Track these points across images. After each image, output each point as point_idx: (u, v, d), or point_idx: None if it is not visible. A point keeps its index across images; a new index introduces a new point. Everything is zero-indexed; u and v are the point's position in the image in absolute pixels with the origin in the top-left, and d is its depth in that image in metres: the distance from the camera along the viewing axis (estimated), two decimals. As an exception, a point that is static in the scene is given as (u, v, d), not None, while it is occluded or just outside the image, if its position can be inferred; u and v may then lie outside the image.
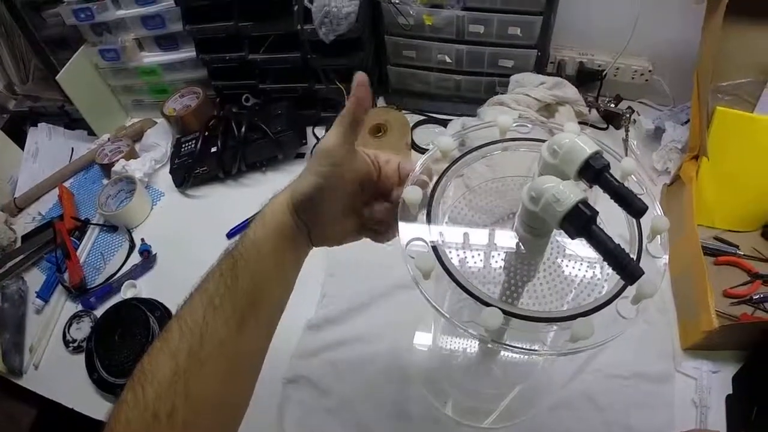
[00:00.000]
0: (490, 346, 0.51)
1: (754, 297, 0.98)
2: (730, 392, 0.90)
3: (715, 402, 0.89)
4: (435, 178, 0.59)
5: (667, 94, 1.31)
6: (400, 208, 0.57)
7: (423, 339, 1.00)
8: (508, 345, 0.51)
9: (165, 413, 0.49)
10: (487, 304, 0.49)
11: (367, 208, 0.62)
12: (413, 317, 1.00)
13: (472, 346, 0.92)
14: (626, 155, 1.24)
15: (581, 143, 0.47)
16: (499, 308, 0.48)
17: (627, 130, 1.26)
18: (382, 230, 0.63)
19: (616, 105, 1.29)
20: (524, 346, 0.51)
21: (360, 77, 0.55)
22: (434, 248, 0.54)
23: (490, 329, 0.48)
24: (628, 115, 1.26)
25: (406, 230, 0.56)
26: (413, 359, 0.98)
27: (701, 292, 0.90)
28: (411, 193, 0.55)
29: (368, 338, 1.00)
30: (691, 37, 1.08)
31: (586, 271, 0.59)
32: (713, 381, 0.91)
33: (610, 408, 0.90)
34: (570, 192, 0.44)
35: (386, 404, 0.93)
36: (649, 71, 1.28)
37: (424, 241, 0.54)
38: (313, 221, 0.58)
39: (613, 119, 1.29)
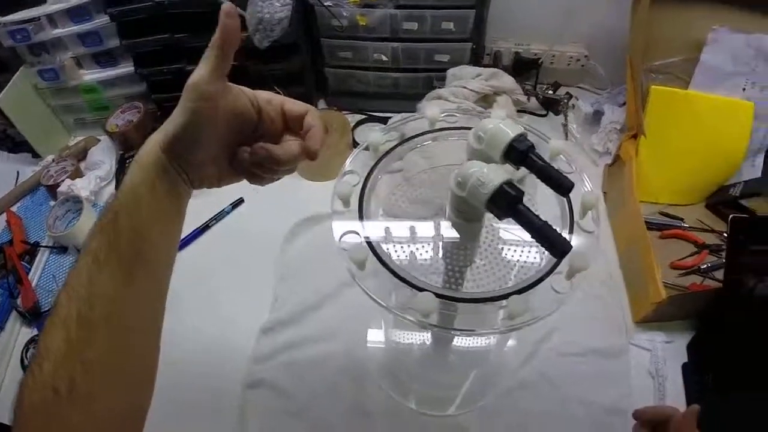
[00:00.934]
0: (427, 330, 0.53)
1: (702, 267, 1.01)
2: (686, 360, 0.93)
3: (671, 371, 0.92)
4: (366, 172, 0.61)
5: (603, 78, 1.34)
6: (332, 201, 0.57)
7: (376, 336, 1.01)
8: (443, 327, 0.52)
9: (65, 387, 0.46)
10: (421, 289, 0.51)
11: (244, 148, 0.57)
12: (363, 314, 1.02)
13: (426, 338, 0.94)
14: (566, 139, 1.27)
15: (504, 127, 0.49)
16: (432, 292, 0.50)
17: (566, 115, 1.29)
18: (262, 173, 0.59)
19: (554, 92, 1.32)
20: (462, 328, 0.52)
21: (226, 7, 0.51)
22: (367, 240, 0.55)
23: (425, 313, 0.49)
24: (566, 101, 1.29)
25: (338, 225, 0.57)
26: (368, 356, 0.99)
27: (648, 266, 0.93)
28: (342, 187, 0.57)
29: (323, 338, 1.01)
30: (624, 21, 1.11)
31: (524, 252, 0.61)
32: (668, 351, 0.94)
33: (566, 385, 0.92)
34: (493, 174, 0.46)
35: (347, 402, 0.94)
36: (585, 57, 1.31)
37: (357, 234, 0.56)
38: (186, 162, 0.54)
39: (552, 106, 1.32)
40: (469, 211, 0.53)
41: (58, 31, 1.27)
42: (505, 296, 0.51)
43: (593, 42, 1.30)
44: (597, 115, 1.28)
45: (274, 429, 0.93)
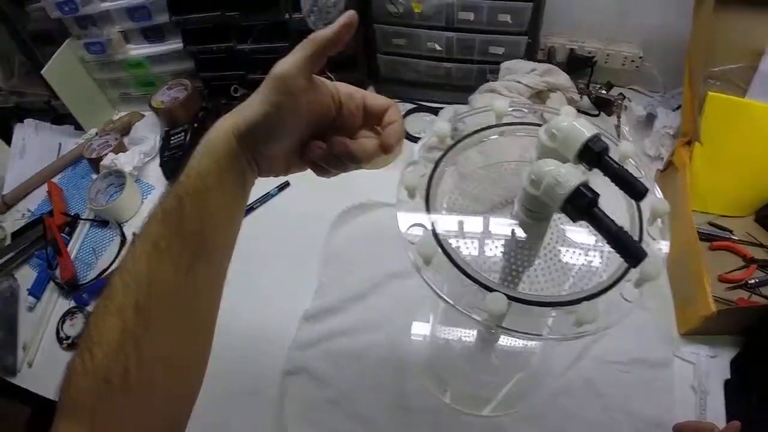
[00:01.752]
0: (493, 331, 0.51)
1: (750, 282, 0.97)
2: (728, 377, 0.90)
3: (714, 387, 0.89)
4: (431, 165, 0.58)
5: (657, 81, 1.31)
6: (398, 191, 0.55)
7: (420, 329, 0.99)
8: (513, 330, 0.50)
9: (118, 377, 0.44)
10: (491, 289, 0.49)
11: (319, 144, 0.55)
12: (409, 306, 1.00)
13: (471, 335, 0.92)
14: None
15: (580, 126, 0.47)
16: (503, 293, 0.48)
17: (619, 117, 1.26)
18: (332, 168, 0.57)
19: (608, 92, 1.29)
20: (525, 331, 0.50)
21: (352, 17, 0.51)
22: (435, 234, 0.53)
23: (495, 314, 0.47)
24: (619, 102, 1.26)
25: (404, 216, 0.55)
26: (411, 349, 0.97)
27: (698, 278, 0.90)
28: (409, 178, 0.55)
29: (365, 328, 1.00)
30: (681, 23, 1.08)
31: (585, 257, 0.58)
32: (711, 366, 0.91)
33: (609, 394, 0.90)
34: (571, 175, 0.44)
35: (386, 394, 0.92)
36: (640, 58, 1.28)
37: (424, 227, 0.54)
38: (258, 152, 0.53)
39: (604, 106, 1.29)
40: (539, 211, 0.52)
41: (106, 5, 1.26)
42: (577, 301, 0.49)
43: (649, 43, 1.27)
44: (650, 119, 1.25)
45: (311, 417, 0.92)
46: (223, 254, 0.54)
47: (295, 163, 0.57)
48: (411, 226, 0.54)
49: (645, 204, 0.53)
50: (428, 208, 0.55)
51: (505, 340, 0.88)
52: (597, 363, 0.93)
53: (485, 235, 0.61)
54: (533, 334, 0.51)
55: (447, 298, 0.51)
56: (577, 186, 0.43)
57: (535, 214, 0.52)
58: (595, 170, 0.47)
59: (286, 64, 0.49)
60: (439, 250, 0.52)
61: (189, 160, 0.51)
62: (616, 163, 0.46)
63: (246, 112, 0.50)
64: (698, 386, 0.89)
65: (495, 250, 0.59)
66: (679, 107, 1.22)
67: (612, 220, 0.43)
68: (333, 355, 0.97)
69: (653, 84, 1.33)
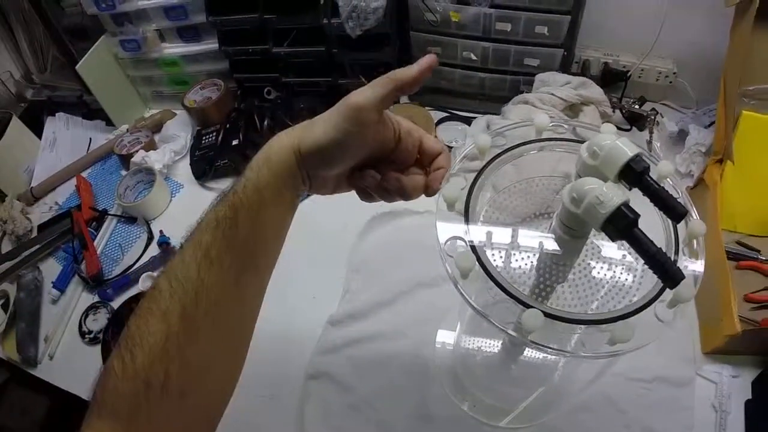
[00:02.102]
0: (530, 349, 0.51)
1: None
2: (750, 397, 0.89)
3: (735, 407, 0.88)
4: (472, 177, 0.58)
5: (690, 97, 1.30)
6: (437, 203, 0.55)
7: (446, 337, 0.99)
8: (547, 346, 0.50)
9: (158, 381, 0.45)
10: (527, 306, 0.49)
11: (372, 173, 0.56)
12: (435, 315, 0.99)
13: (495, 345, 0.92)
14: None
15: (622, 145, 0.47)
16: (541, 310, 0.48)
17: (651, 132, 1.25)
18: (380, 196, 0.58)
19: (640, 106, 1.28)
20: (558, 348, 0.50)
21: (432, 59, 0.52)
22: (473, 248, 0.53)
23: (531, 331, 0.47)
24: (652, 117, 1.25)
25: (444, 228, 0.54)
26: (435, 356, 0.97)
27: (725, 297, 0.89)
28: (450, 190, 0.54)
29: (390, 335, 0.99)
30: (717, 40, 1.06)
31: (617, 275, 0.58)
32: (733, 385, 0.90)
33: (630, 411, 0.89)
34: (613, 194, 0.44)
35: (407, 402, 0.92)
36: (674, 73, 1.27)
37: (463, 240, 0.54)
38: (315, 171, 0.54)
39: (636, 121, 1.28)
40: (578, 228, 0.51)
41: (143, 3, 1.27)
42: (614, 319, 0.49)
43: (683, 59, 1.26)
44: (682, 135, 1.23)
45: (332, 422, 0.92)
46: (269, 266, 0.56)
47: (343, 185, 0.59)
48: (449, 239, 0.54)
49: (681, 224, 0.52)
50: (467, 221, 0.55)
51: (528, 353, 0.87)
52: (619, 380, 0.92)
53: (517, 247, 0.60)
54: (567, 352, 0.51)
55: (484, 313, 0.51)
56: (619, 206, 0.43)
57: (573, 231, 0.52)
58: (634, 189, 0.47)
59: (363, 96, 0.50)
60: (477, 264, 0.52)
61: (246, 171, 0.52)
62: (657, 183, 0.46)
63: (313, 133, 0.51)
64: (719, 406, 0.88)
65: (526, 261, 0.59)
66: (711, 124, 1.21)
67: (651, 241, 0.43)
68: (356, 360, 0.97)
69: (686, 100, 1.31)
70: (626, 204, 0.44)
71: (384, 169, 0.56)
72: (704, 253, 0.52)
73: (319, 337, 1.00)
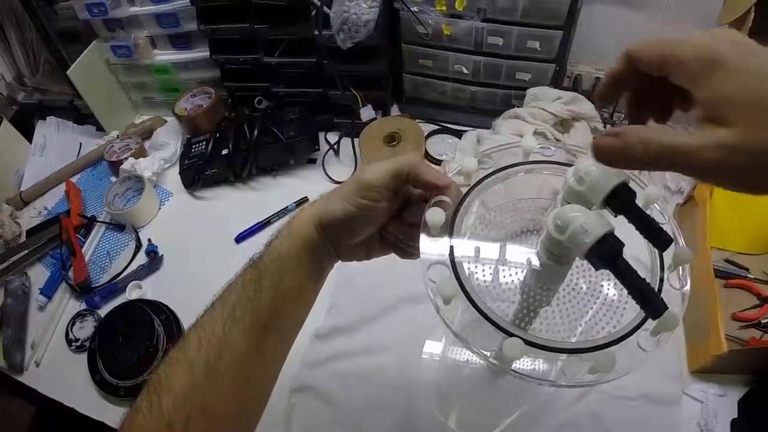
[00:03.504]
0: (513, 377, 0.51)
1: (763, 321, 0.96)
2: (735, 416, 0.89)
3: (721, 426, 0.88)
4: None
5: (681, 113, 1.30)
6: (422, 230, 0.55)
7: (433, 348, 0.99)
8: (526, 375, 0.50)
9: (180, 424, 0.49)
10: (510, 334, 0.49)
11: (391, 234, 0.60)
12: (421, 331, 0.99)
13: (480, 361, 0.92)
14: (639, 173, 1.23)
15: (609, 171, 0.46)
16: (521, 338, 0.48)
17: (641, 149, 1.25)
18: (410, 249, 0.61)
19: (630, 122, 1.28)
20: (544, 377, 0.51)
21: (456, 188, 0.55)
22: (456, 275, 0.53)
23: (511, 360, 0.48)
24: (643, 134, 1.25)
25: (429, 250, 0.54)
26: (422, 367, 0.97)
27: (712, 316, 0.89)
28: (433, 216, 0.54)
29: (376, 350, 0.99)
30: (707, 56, 1.07)
31: (604, 297, 0.58)
32: (719, 404, 0.90)
33: (616, 429, 0.89)
34: (598, 223, 0.44)
35: (392, 417, 0.92)
36: (666, 89, 1.27)
37: (447, 266, 0.53)
38: (339, 241, 0.58)
39: (627, 136, 1.28)
40: (562, 255, 0.51)
41: (135, 9, 1.26)
42: (595, 348, 0.49)
43: (674, 75, 1.26)
44: (672, 151, 1.24)
45: (317, 435, 0.92)
46: (292, 328, 0.61)
47: (375, 249, 0.62)
48: (432, 264, 0.54)
49: (668, 252, 0.51)
50: (452, 251, 0.55)
51: (531, 366, 0.87)
52: (605, 397, 0.92)
53: (504, 263, 0.60)
54: (546, 380, 0.51)
55: (464, 338, 0.51)
56: (603, 235, 0.43)
57: (558, 257, 0.51)
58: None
59: (376, 174, 0.54)
60: (461, 292, 0.52)
61: (272, 239, 0.58)
62: (642, 211, 0.45)
63: (329, 207, 0.56)
64: (705, 425, 0.88)
65: (514, 277, 0.59)
66: (702, 142, 1.21)
67: (635, 272, 0.43)
68: (342, 375, 0.97)
69: (677, 116, 1.31)
70: (611, 233, 0.43)
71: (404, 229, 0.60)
72: (689, 280, 0.52)
73: (304, 350, 0.99)
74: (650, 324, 0.49)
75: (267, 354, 0.57)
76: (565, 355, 0.50)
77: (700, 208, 1.04)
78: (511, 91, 1.25)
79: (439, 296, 0.51)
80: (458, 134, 1.29)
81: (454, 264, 0.54)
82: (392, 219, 0.60)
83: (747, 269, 1.05)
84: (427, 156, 1.25)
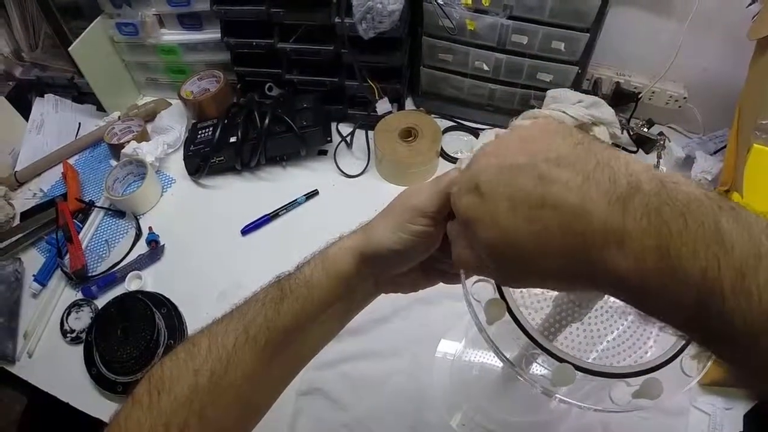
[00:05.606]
0: (561, 402, 0.49)
1: None
2: (741, 430, 0.89)
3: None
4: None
5: (698, 123, 1.29)
6: None
7: (448, 347, 0.97)
8: (576, 403, 0.49)
9: (177, 427, 0.48)
10: (560, 360, 0.47)
11: (440, 259, 0.56)
12: (433, 334, 0.97)
13: (497, 365, 0.90)
14: (656, 182, 1.22)
15: None
16: (572, 364, 0.47)
17: (659, 157, 1.23)
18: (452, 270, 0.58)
19: (649, 129, 1.26)
20: (590, 404, 0.49)
21: None
22: (502, 295, 0.50)
23: (560, 385, 0.47)
24: (661, 142, 1.23)
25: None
26: (433, 374, 0.95)
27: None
28: None
29: (387, 352, 0.96)
30: (731, 69, 1.06)
31: (629, 322, 0.57)
32: (726, 417, 0.90)
33: (626, 438, 0.88)
34: None
35: (401, 422, 0.90)
36: (684, 98, 1.25)
37: (491, 285, 0.51)
38: (384, 274, 0.56)
39: (644, 143, 1.26)
40: None
41: (144, -15, 1.21)
42: (642, 373, 0.48)
43: (694, 84, 1.25)
44: (688, 160, 1.22)
45: (324, 439, 0.89)
46: (305, 356, 0.59)
47: (420, 279, 0.59)
48: (476, 282, 0.51)
49: None
50: None
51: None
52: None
53: None
54: (594, 408, 0.49)
55: (518, 369, 0.51)
56: None
57: None
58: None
59: (427, 199, 0.50)
60: (508, 315, 0.50)
61: (303, 264, 0.56)
62: None
63: (376, 238, 0.52)
64: (711, 438, 0.88)
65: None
66: (717, 151, 1.20)
67: None
68: (351, 377, 0.94)
69: (693, 125, 1.30)
70: None
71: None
72: None
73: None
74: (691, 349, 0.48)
75: (274, 377, 0.56)
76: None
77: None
78: (530, 91, 1.22)
79: (483, 316, 0.49)
80: (474, 132, 1.27)
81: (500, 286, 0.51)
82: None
83: None
84: (443, 153, 1.22)
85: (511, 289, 0.52)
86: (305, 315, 0.53)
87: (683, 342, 0.48)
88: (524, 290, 0.57)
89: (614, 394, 0.49)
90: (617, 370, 0.48)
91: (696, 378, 0.48)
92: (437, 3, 1.08)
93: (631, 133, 1.26)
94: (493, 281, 0.50)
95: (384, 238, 0.51)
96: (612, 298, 0.57)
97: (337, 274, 0.53)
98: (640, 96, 1.25)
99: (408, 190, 0.53)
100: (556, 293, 0.56)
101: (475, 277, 0.51)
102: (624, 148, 1.27)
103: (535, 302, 0.58)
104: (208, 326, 0.54)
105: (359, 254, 0.53)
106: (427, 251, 0.53)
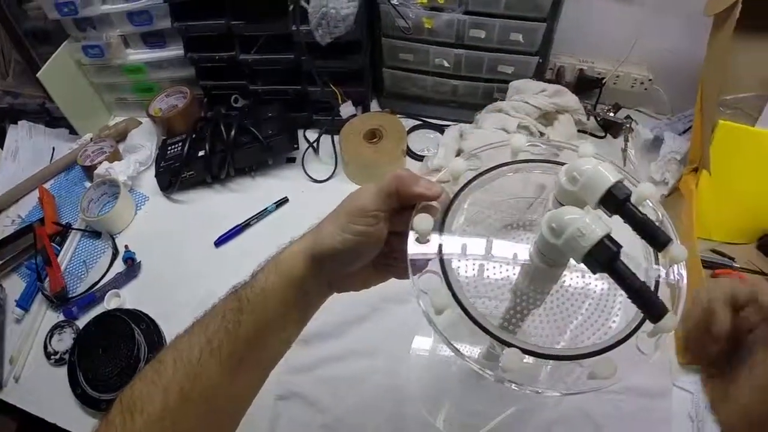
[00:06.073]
0: (515, 388, 0.49)
1: None
2: None
3: (711, 416, 0.88)
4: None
5: (665, 104, 1.30)
6: (409, 237, 0.53)
7: (422, 343, 0.98)
8: (528, 386, 0.48)
9: None
10: (508, 344, 0.47)
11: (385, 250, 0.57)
12: (406, 332, 0.98)
13: (473, 351, 0.90)
14: (624, 165, 1.22)
15: (604, 171, 0.45)
16: (520, 348, 0.47)
17: (626, 140, 1.24)
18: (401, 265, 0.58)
19: (615, 113, 1.27)
20: (544, 388, 0.49)
21: (439, 192, 0.53)
22: (449, 285, 0.51)
23: (509, 370, 0.46)
24: (627, 125, 1.24)
25: (415, 260, 0.52)
26: (408, 372, 0.95)
27: (700, 307, 0.89)
28: (422, 223, 0.52)
29: (361, 353, 0.97)
30: (693, 47, 1.07)
31: (595, 303, 0.57)
32: None
33: (607, 424, 0.89)
34: (596, 226, 0.42)
35: (381, 421, 0.91)
36: (649, 80, 1.26)
37: (438, 275, 0.52)
38: (335, 274, 0.57)
39: (611, 128, 1.27)
40: (556, 258, 0.50)
41: (106, 7, 1.23)
42: (593, 354, 0.48)
43: (659, 65, 1.26)
44: (657, 142, 1.23)
45: (304, 442, 0.90)
46: (270, 361, 0.60)
47: (371, 276, 0.61)
48: (423, 273, 0.52)
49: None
50: (443, 264, 0.52)
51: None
52: (593, 393, 0.92)
53: (491, 261, 0.58)
54: (542, 389, 0.50)
55: (461, 351, 0.50)
56: (601, 238, 0.42)
57: (551, 260, 0.50)
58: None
59: (369, 198, 0.52)
60: (454, 302, 0.50)
61: (257, 272, 0.57)
62: (639, 211, 0.45)
63: (323, 239, 0.53)
64: (696, 415, 0.89)
65: (502, 275, 0.57)
66: (685, 131, 1.21)
67: (634, 275, 0.42)
68: (328, 379, 0.95)
69: (660, 107, 1.31)
70: (608, 236, 0.42)
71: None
72: (686, 278, 0.51)
73: (288, 356, 0.97)
74: (648, 326, 0.47)
75: (242, 386, 0.56)
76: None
77: (686, 199, 1.05)
78: (493, 84, 1.24)
79: (431, 306, 0.49)
80: (440, 129, 1.28)
81: (446, 273, 0.52)
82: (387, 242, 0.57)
83: (733, 259, 1.06)
84: (409, 152, 1.24)
85: (459, 279, 0.52)
86: (265, 322, 0.54)
87: (638, 321, 0.49)
88: (477, 279, 0.58)
89: (569, 377, 0.50)
90: (569, 353, 0.49)
91: (652, 356, 0.48)
92: (391, 4, 1.09)
93: (598, 119, 1.27)
94: (440, 273, 0.51)
95: (331, 239, 0.52)
96: (569, 281, 0.57)
97: (291, 279, 0.54)
98: (604, 81, 1.26)
99: (353, 192, 0.54)
100: (513, 281, 0.56)
101: (422, 269, 0.52)
102: (591, 134, 1.28)
103: (489, 291, 0.58)
104: (173, 342, 0.55)
105: (310, 256, 0.54)
106: (374, 249, 0.54)
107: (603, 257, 0.42)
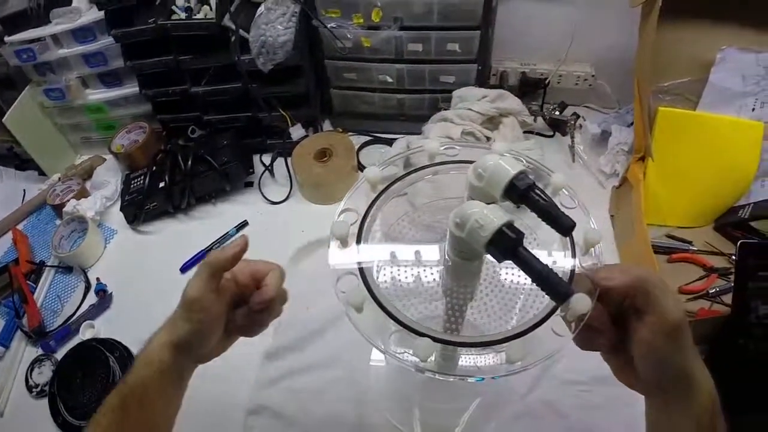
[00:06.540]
0: (428, 374, 0.52)
1: (710, 291, 0.99)
2: None
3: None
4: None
5: (611, 98, 1.33)
6: (330, 241, 0.57)
7: (379, 354, 0.99)
8: (443, 373, 0.52)
9: None
10: (421, 334, 0.51)
11: (237, 312, 0.65)
12: (365, 342, 0.99)
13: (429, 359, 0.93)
14: (573, 161, 1.25)
15: (505, 164, 0.47)
16: (431, 337, 0.50)
17: (573, 137, 1.27)
18: (249, 330, 0.66)
19: (561, 112, 1.30)
20: (461, 372, 0.53)
21: (244, 242, 0.60)
22: (365, 281, 0.54)
23: (424, 358, 0.49)
24: (573, 122, 1.27)
25: (336, 265, 0.57)
26: (372, 379, 0.98)
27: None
28: (339, 228, 0.56)
29: (326, 363, 1.00)
30: (630, 41, 1.10)
31: (527, 289, 0.60)
32: None
33: (572, 414, 0.91)
34: (494, 216, 0.45)
35: (351, 429, 0.94)
36: (592, 76, 1.29)
37: (355, 275, 0.55)
38: (197, 353, 0.62)
39: (559, 126, 1.30)
40: (467, 251, 0.52)
41: (63, 51, 1.27)
42: (503, 341, 0.50)
43: (600, 61, 1.29)
44: (604, 136, 1.26)
45: (275, 456, 0.92)
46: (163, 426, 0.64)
47: (225, 342, 0.67)
48: (343, 275, 0.56)
49: (579, 234, 0.53)
50: (359, 260, 0.56)
51: (460, 363, 0.88)
52: (557, 384, 0.94)
53: (420, 265, 0.62)
54: (461, 375, 0.53)
55: (376, 344, 0.54)
56: (500, 227, 0.44)
57: (465, 254, 0.53)
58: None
59: (195, 289, 0.58)
60: (370, 297, 0.54)
61: (131, 369, 0.61)
62: (544, 198, 0.47)
63: (177, 330, 0.60)
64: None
65: (433, 277, 0.61)
66: (633, 123, 1.24)
67: (536, 259, 0.44)
68: (295, 392, 0.98)
69: (607, 101, 1.34)
70: (508, 225, 0.44)
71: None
72: (602, 261, 0.54)
73: (256, 371, 1.01)
74: (564, 310, 0.50)
75: None
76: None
77: (634, 188, 1.06)
78: (437, 94, 1.27)
79: (348, 304, 0.53)
80: (390, 143, 1.31)
81: (362, 272, 0.55)
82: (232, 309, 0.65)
83: (690, 242, 1.07)
84: (361, 167, 1.27)
85: (377, 278, 0.57)
86: (149, 406, 0.59)
87: (552, 306, 0.51)
88: (407, 284, 0.62)
89: (488, 362, 0.53)
90: (476, 340, 0.51)
91: (569, 338, 0.50)
92: (327, 27, 1.13)
93: (545, 118, 1.30)
94: (357, 271, 0.56)
95: (182, 329, 0.59)
96: (497, 272, 0.61)
97: (159, 368, 0.59)
98: (547, 82, 1.30)
99: (189, 281, 0.60)
100: (443, 284, 0.60)
101: (341, 271, 0.56)
102: (539, 134, 1.31)
103: (423, 293, 0.62)
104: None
105: (173, 347, 0.59)
106: (218, 326, 0.62)
107: (503, 245, 0.44)
